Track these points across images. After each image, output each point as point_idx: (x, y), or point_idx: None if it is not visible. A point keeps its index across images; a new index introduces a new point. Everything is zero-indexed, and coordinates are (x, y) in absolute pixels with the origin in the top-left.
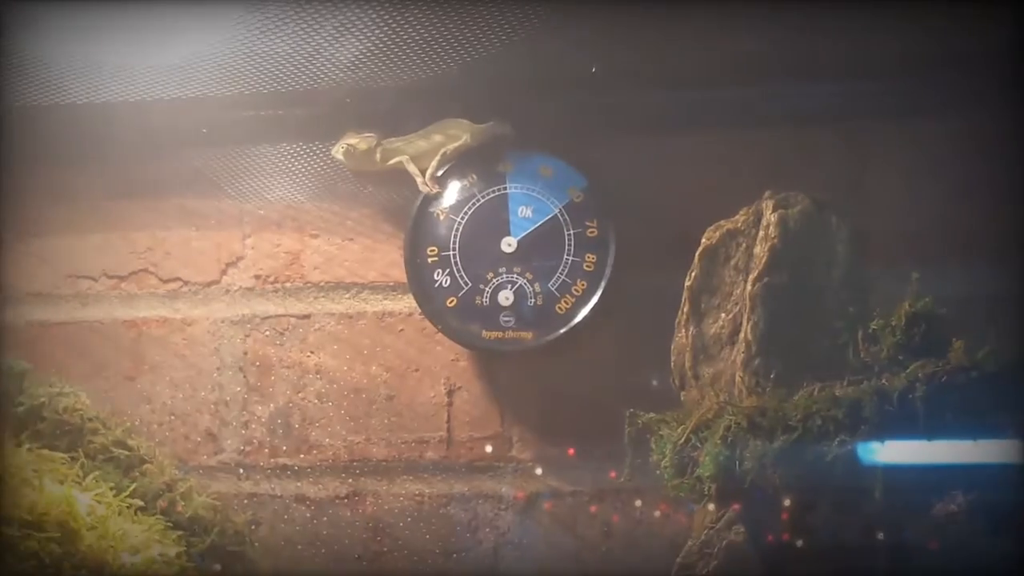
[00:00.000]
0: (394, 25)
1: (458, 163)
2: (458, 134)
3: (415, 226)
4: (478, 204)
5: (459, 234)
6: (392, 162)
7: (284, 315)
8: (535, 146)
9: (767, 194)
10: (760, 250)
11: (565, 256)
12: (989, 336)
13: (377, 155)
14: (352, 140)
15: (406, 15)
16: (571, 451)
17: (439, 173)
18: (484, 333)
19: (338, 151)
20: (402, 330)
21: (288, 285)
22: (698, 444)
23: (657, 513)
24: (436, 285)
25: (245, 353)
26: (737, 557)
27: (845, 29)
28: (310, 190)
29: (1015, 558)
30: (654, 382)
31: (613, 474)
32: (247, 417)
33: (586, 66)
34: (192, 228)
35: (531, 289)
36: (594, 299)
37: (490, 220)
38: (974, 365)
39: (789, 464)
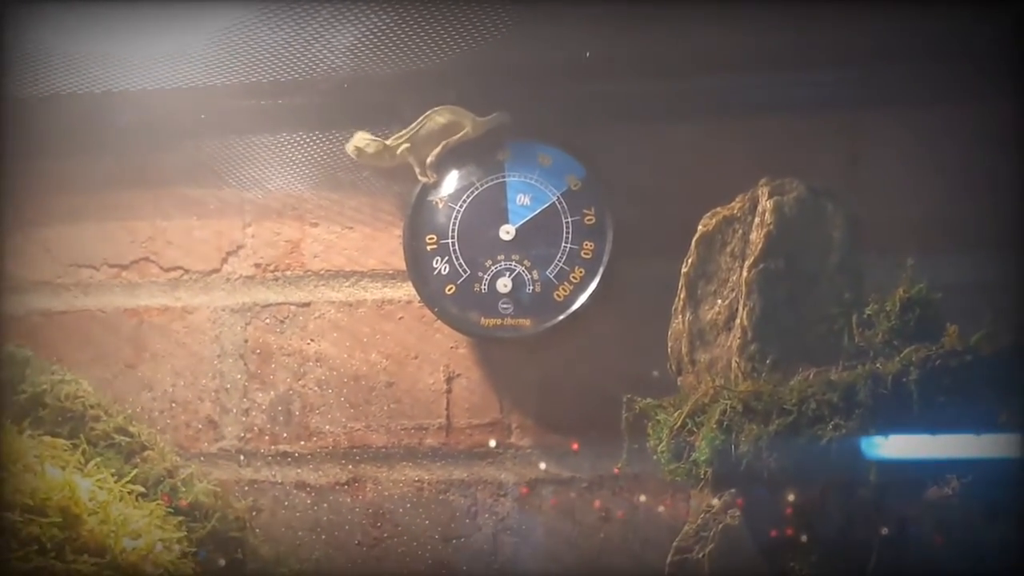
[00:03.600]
0: (392, 14)
1: (457, 152)
2: (460, 123)
3: (414, 214)
4: (476, 192)
5: (458, 222)
6: (398, 155)
7: (284, 303)
8: (533, 135)
9: (763, 181)
10: (756, 236)
11: (563, 244)
12: (983, 321)
13: (387, 154)
14: (361, 143)
15: (404, 3)
16: (575, 446)
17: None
18: (483, 320)
19: (351, 150)
20: (401, 318)
21: (288, 273)
22: (694, 428)
23: (654, 498)
24: (435, 273)
25: (246, 341)
26: (733, 540)
27: (842, 16)
28: (310, 179)
29: (1009, 541)
30: (651, 369)
31: (617, 470)
32: (248, 404)
33: (583, 56)
34: (193, 217)
35: (529, 277)
36: (592, 286)
37: (488, 208)
38: (968, 349)
39: (784, 447)
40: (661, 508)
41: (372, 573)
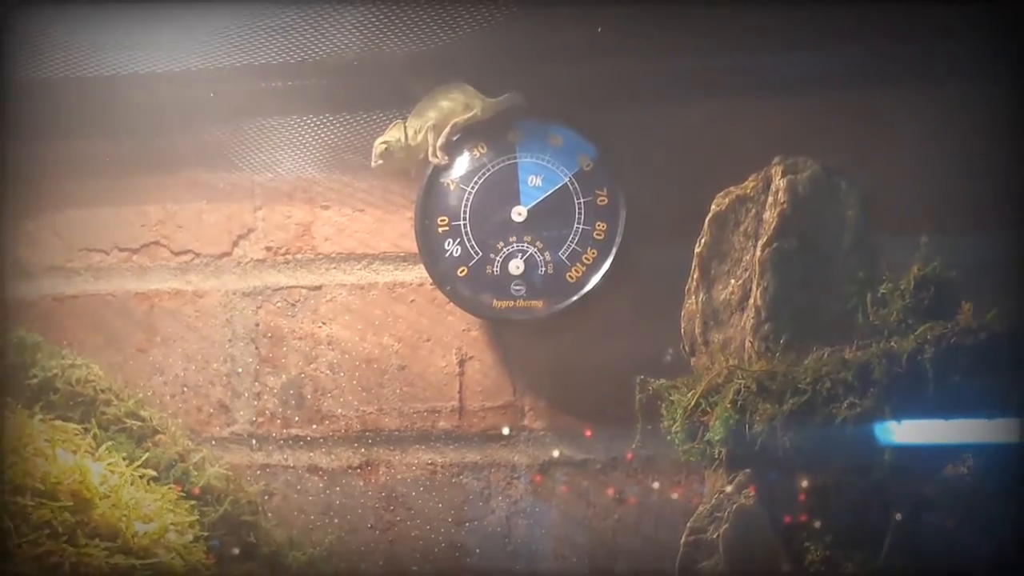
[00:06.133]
0: None
1: (468, 133)
2: (470, 103)
3: (425, 196)
4: (488, 174)
5: (469, 204)
6: (420, 134)
7: (295, 286)
8: (544, 115)
9: (776, 160)
10: (769, 216)
11: (575, 225)
12: (998, 300)
13: (408, 133)
14: (384, 138)
15: None
16: (588, 433)
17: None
18: (495, 302)
19: (377, 160)
20: (413, 300)
21: (299, 256)
22: (708, 408)
23: (668, 479)
24: (447, 255)
25: (257, 324)
26: (747, 520)
27: None
28: (321, 161)
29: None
30: (665, 349)
31: (630, 456)
32: (259, 388)
33: (595, 35)
34: (203, 201)
35: (542, 258)
36: (604, 267)
37: (500, 189)
38: (982, 327)
39: (799, 427)
40: (675, 489)
41: (385, 556)
